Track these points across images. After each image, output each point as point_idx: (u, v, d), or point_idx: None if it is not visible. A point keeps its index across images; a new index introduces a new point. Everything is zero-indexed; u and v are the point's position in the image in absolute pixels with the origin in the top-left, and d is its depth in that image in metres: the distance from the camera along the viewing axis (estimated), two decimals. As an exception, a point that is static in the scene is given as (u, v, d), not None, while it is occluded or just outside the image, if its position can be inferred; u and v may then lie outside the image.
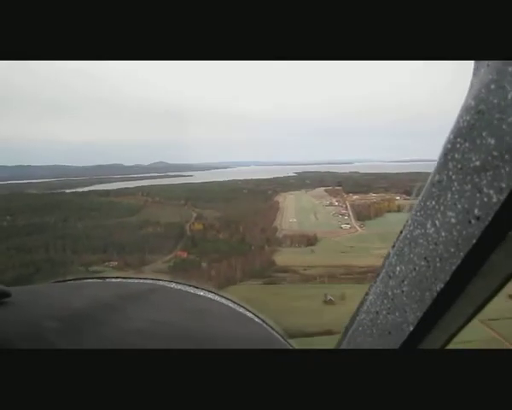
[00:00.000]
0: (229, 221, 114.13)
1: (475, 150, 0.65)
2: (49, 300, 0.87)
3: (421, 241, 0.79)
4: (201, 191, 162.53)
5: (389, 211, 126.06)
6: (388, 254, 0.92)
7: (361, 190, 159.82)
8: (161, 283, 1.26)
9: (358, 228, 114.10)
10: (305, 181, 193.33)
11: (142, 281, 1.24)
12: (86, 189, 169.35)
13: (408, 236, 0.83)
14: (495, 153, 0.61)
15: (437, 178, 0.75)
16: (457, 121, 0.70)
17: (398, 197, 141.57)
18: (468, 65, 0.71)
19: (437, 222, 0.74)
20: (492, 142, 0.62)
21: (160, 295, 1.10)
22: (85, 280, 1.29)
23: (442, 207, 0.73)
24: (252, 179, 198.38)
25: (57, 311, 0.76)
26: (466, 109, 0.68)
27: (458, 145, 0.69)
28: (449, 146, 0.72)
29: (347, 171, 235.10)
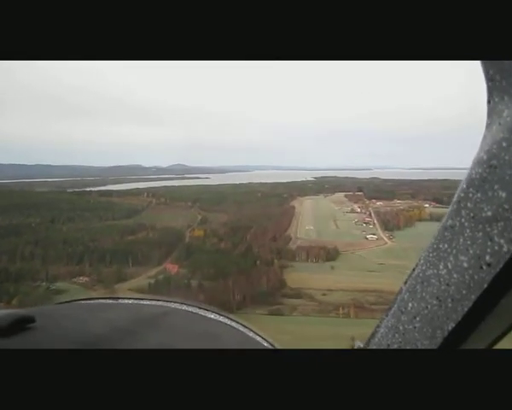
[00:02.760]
0: (235, 227, 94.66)
1: (487, 201, 0.66)
2: (69, 323, 0.86)
3: (433, 281, 0.80)
4: (213, 193, 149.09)
5: (420, 220, 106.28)
6: (400, 289, 0.92)
7: (384, 196, 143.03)
8: (173, 305, 1.25)
9: (387, 240, 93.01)
10: (323, 186, 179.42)
11: (154, 302, 1.25)
12: (95, 188, 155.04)
13: (420, 274, 0.84)
14: (506, 206, 0.63)
15: (450, 222, 0.75)
16: (470, 172, 0.71)
17: (427, 205, 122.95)
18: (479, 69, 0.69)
19: (449, 264, 0.75)
20: (504, 195, 0.63)
21: (173, 319, 1.07)
22: (100, 300, 1.30)
23: (454, 251, 0.74)
24: (268, 183, 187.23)
25: (77, 335, 0.77)
26: (478, 162, 0.69)
27: (471, 195, 0.70)
28: (462, 195, 0.72)
29: (367, 177, 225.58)
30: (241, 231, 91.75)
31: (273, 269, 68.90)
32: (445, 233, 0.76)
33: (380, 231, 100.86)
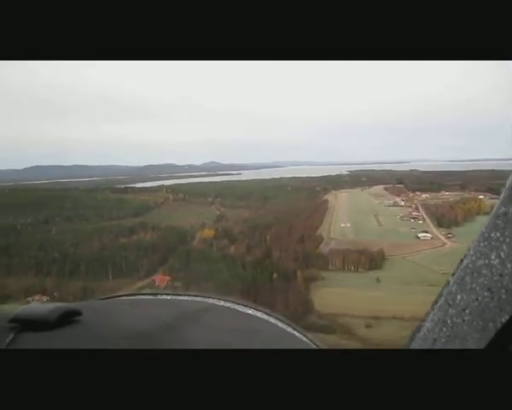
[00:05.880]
0: (255, 225, 74.95)
1: None
2: (113, 317, 0.86)
3: (484, 271, 0.75)
4: (238, 188, 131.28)
5: (480, 213, 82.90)
6: (447, 282, 0.87)
7: (429, 187, 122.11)
8: (211, 300, 1.20)
9: (445, 239, 70.15)
10: (359, 178, 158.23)
11: (191, 298, 1.21)
12: (121, 186, 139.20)
13: (470, 265, 0.79)
14: None
15: (502, 210, 0.71)
16: None
17: (481, 196, 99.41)
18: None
19: (502, 254, 0.70)
20: None
21: (212, 315, 1.05)
22: (140, 296, 1.27)
23: (508, 240, 0.70)
24: (300, 177, 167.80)
25: (121, 329, 0.76)
26: None
27: None
28: None
29: (406, 169, 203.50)
30: (261, 230, 71.68)
31: (296, 284, 48.04)
32: (497, 221, 0.72)
33: (433, 229, 78.19)
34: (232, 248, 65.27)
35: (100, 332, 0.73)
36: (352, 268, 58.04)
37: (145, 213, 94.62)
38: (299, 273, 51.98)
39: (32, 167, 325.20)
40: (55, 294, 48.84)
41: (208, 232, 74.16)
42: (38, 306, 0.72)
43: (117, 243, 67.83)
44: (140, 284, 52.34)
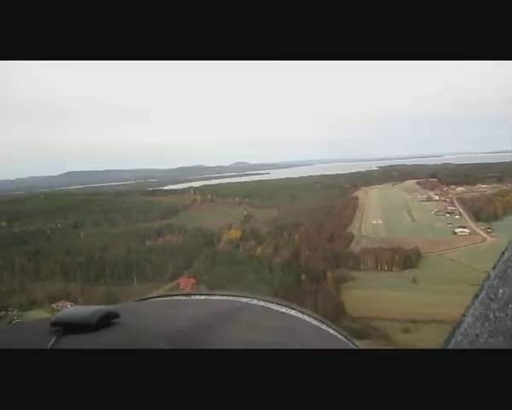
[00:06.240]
0: (283, 225, 72.96)
1: None
2: (150, 318, 0.88)
3: None
4: (266, 187, 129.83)
5: None
6: (488, 275, 0.85)
7: (464, 180, 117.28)
8: (244, 300, 1.21)
9: (484, 234, 65.82)
10: (390, 174, 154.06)
11: (225, 298, 1.23)
12: (149, 189, 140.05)
13: None
14: None
15: None
16: None
17: None
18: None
19: None
20: None
21: (248, 314, 1.06)
22: (174, 297, 1.30)
23: None
24: (329, 174, 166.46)
25: (159, 330, 0.78)
26: None
27: None
28: None
29: (438, 162, 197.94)
30: (290, 230, 69.22)
31: (326, 286, 45.23)
32: None
33: (471, 223, 73.87)
34: (259, 250, 63.10)
35: (138, 333, 0.74)
36: (386, 267, 54.90)
37: (172, 216, 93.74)
38: (328, 274, 49.25)
39: (67, 173, 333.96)
40: (80, 299, 47.93)
41: (235, 233, 72.52)
42: (79, 309, 0.74)
43: (143, 247, 66.97)
44: (165, 287, 50.82)
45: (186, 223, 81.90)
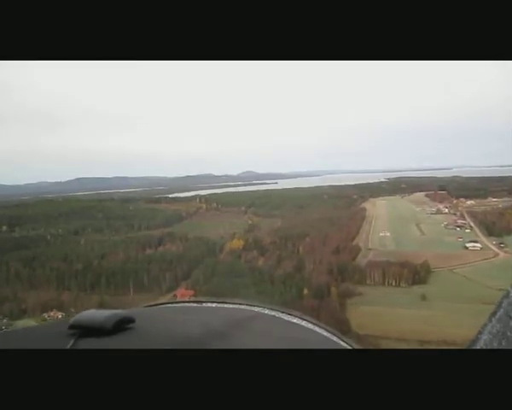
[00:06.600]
0: (287, 235, 70.51)
1: None
2: (163, 324, 0.89)
3: None
4: (273, 197, 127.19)
5: None
6: (507, 292, 0.83)
7: (475, 194, 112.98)
8: (256, 309, 1.19)
9: (497, 249, 62.83)
10: (399, 185, 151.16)
11: (237, 306, 1.22)
12: (155, 196, 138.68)
13: None
14: None
15: None
16: None
17: None
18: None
19: None
20: None
21: (260, 323, 1.05)
22: (185, 304, 1.29)
23: None
24: (336, 185, 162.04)
25: (171, 335, 0.79)
26: None
27: None
28: None
29: (448, 175, 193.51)
30: (294, 241, 66.83)
31: (330, 301, 42.54)
32: None
33: (483, 238, 70.90)
34: (261, 261, 60.62)
35: (152, 338, 0.75)
36: (393, 283, 51.88)
37: (175, 224, 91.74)
38: (333, 289, 46.68)
39: (75, 180, 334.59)
40: (72, 309, 45.98)
41: (237, 243, 69.91)
42: (95, 312, 0.76)
43: (142, 256, 64.75)
44: (162, 298, 48.60)
45: (188, 231, 79.84)
